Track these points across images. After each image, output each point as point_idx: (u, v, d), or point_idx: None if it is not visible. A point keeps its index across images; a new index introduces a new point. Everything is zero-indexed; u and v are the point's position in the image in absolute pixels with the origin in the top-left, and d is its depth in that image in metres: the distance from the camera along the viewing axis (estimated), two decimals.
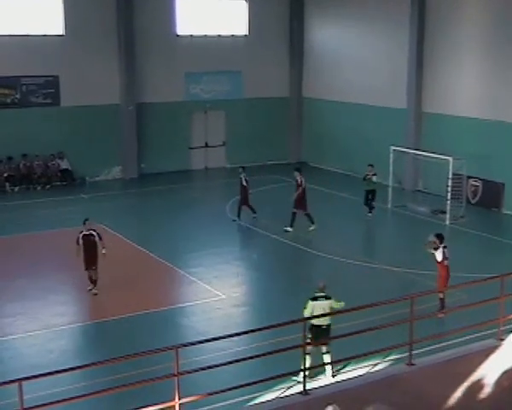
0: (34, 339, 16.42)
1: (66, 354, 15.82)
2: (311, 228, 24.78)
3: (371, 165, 26.84)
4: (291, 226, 24.68)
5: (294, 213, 24.73)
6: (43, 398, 10.43)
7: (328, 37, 36.51)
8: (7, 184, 31.66)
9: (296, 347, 11.28)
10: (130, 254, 23.02)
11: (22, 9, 31.87)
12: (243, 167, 26.65)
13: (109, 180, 33.66)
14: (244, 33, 36.94)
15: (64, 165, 33.01)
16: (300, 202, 24.74)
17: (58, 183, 32.61)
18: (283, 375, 11.82)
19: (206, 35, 35.89)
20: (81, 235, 18.93)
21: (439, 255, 17.59)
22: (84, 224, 19.16)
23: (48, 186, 32.32)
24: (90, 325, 17.62)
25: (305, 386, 10.91)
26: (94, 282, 19.08)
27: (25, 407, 9.07)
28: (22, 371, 12.90)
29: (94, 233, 19.04)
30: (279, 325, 11.55)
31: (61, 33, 32.74)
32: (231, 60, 36.50)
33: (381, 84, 32.96)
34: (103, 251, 19.02)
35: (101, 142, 33.60)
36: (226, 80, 36.73)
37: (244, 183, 25.90)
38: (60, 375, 10.46)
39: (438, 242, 17.64)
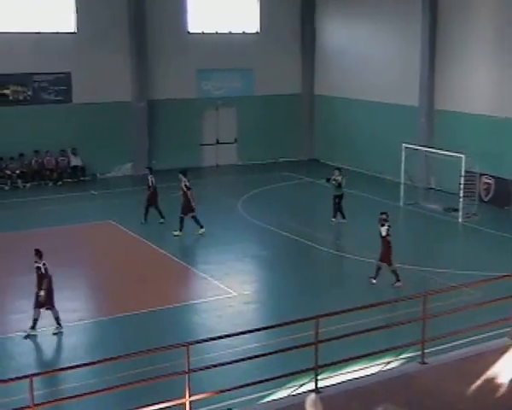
0: (45, 335, 16.41)
1: (78, 350, 15.81)
2: (200, 231, 24.21)
3: (339, 168, 26.04)
4: (180, 230, 24.07)
5: (182, 218, 24.19)
6: (54, 394, 10.43)
7: (340, 33, 36.40)
8: (19, 180, 31.76)
9: (307, 345, 11.21)
10: (141, 250, 23.01)
11: (35, 7, 31.92)
12: (150, 168, 26.39)
13: (120, 177, 33.66)
14: (256, 30, 36.87)
15: (76, 161, 33.06)
16: (187, 206, 24.19)
17: (69, 179, 32.69)
18: (295, 373, 11.77)
19: (217, 32, 35.85)
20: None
21: (384, 231, 19.30)
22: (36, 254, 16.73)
23: (59, 183, 32.39)
24: (101, 321, 17.59)
25: (316, 384, 10.84)
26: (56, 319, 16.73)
27: (36, 402, 9.05)
28: (33, 367, 12.89)
29: (41, 266, 16.52)
30: (290, 322, 11.49)
31: (73, 31, 32.79)
32: (243, 57, 36.44)
33: (392, 82, 32.82)
34: (41, 292, 16.38)
35: (112, 138, 33.62)
36: (238, 77, 36.69)
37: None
38: (71, 371, 10.46)
39: (385, 217, 19.46)
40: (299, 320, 11.43)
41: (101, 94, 33.33)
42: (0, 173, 31.50)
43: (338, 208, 25.35)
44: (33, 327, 16.30)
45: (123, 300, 18.74)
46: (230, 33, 36.19)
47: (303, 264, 22.17)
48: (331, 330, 12.18)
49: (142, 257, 22.46)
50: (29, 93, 32.47)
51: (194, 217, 24.17)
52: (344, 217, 25.30)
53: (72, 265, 21.50)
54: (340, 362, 12.00)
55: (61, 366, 10.48)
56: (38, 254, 16.49)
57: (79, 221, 25.91)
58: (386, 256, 19.39)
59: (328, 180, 25.88)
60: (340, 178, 25.19)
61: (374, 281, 19.43)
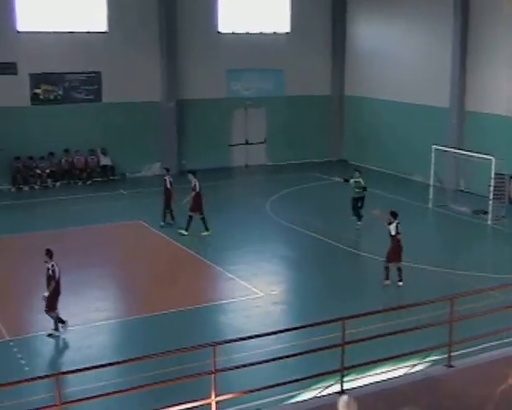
0: (73, 334, 16.54)
1: (105, 349, 15.94)
2: (204, 233, 24.17)
3: (358, 170, 25.71)
4: (186, 230, 24.11)
5: (191, 217, 24.25)
6: (82, 392, 10.52)
7: (371, 34, 36.26)
8: (49, 179, 32.07)
9: (334, 346, 11.21)
10: (169, 250, 23.13)
11: (68, 6, 32.21)
12: (167, 169, 26.25)
13: (149, 176, 33.82)
14: (286, 31, 36.86)
15: (105, 161, 33.31)
16: (196, 206, 24.25)
17: (99, 179, 32.94)
18: (321, 374, 11.76)
19: (247, 32, 35.89)
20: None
21: (393, 230, 19.52)
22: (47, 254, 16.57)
23: (89, 182, 32.65)
24: (129, 320, 17.70)
25: (342, 385, 10.83)
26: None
27: (63, 401, 9.14)
28: (61, 365, 13.01)
29: (49, 267, 16.48)
30: (317, 324, 11.49)
31: (104, 30, 33.03)
32: (273, 57, 36.44)
33: (423, 83, 32.63)
34: (45, 293, 16.40)
35: (141, 138, 33.81)
36: (267, 78, 36.69)
37: (169, 185, 25.06)
38: (98, 370, 10.54)
39: (392, 217, 19.65)
40: (326, 322, 11.42)
41: (131, 93, 33.52)
42: (30, 172, 31.82)
43: (356, 210, 24.99)
44: (56, 328, 16.41)
45: (151, 300, 18.84)
46: (261, 33, 36.20)
47: (330, 265, 22.13)
48: (357, 331, 12.16)
49: (171, 257, 22.59)
50: (60, 92, 32.75)
51: (202, 218, 24.21)
52: (359, 219, 24.96)
53: (101, 264, 21.68)
54: (366, 364, 11.98)
55: (89, 365, 10.54)
56: (49, 254, 16.43)
57: (108, 221, 26.10)
58: (395, 254, 19.59)
59: (346, 181, 25.68)
60: (360, 179, 24.95)
61: (387, 282, 19.59)
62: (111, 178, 33.14)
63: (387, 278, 19.60)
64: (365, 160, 35.75)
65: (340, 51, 37.76)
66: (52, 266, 16.30)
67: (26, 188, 31.57)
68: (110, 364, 11.22)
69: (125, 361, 11.59)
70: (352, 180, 25.04)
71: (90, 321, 17.18)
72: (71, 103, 32.83)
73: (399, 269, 19.62)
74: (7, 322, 16.53)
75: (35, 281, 19.76)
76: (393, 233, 19.64)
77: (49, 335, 16.26)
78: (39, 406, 9.58)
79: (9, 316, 16.49)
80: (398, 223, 19.65)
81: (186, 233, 23.96)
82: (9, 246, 22.87)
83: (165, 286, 19.67)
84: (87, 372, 10.28)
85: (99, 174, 33.08)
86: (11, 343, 15.79)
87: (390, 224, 19.71)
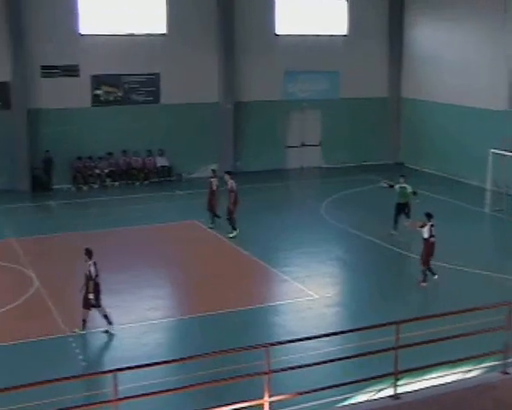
0: (129, 331, 16.82)
1: (160, 347, 16.15)
2: (231, 235, 24.18)
3: (403, 175, 24.94)
4: (235, 229, 24.21)
5: (232, 219, 24.36)
6: (137, 389, 10.69)
7: (428, 37, 35.92)
8: (107, 179, 32.62)
9: (387, 350, 11.18)
10: (224, 251, 23.30)
11: (128, 10, 32.72)
12: (214, 171, 26.24)
13: (205, 177, 33.94)
14: (343, 33, 36.77)
15: (162, 161, 33.70)
16: (233, 206, 24.25)
17: (156, 179, 33.34)
18: (374, 377, 11.74)
19: (304, 34, 35.91)
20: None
21: (426, 233, 19.40)
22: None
23: (146, 182, 33.09)
24: (184, 320, 17.90)
25: (395, 390, 10.80)
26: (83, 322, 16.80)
27: (119, 396, 9.32)
28: (117, 362, 13.23)
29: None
30: (371, 327, 11.48)
31: (163, 32, 33.43)
32: (330, 59, 36.39)
33: (481, 86, 32.18)
34: (90, 296, 16.60)
35: (198, 139, 34.10)
36: (324, 80, 36.65)
37: (214, 187, 25.08)
38: (153, 368, 10.71)
39: (426, 219, 19.54)
40: (380, 325, 11.41)
41: (189, 95, 33.85)
42: (89, 172, 32.39)
43: (401, 215, 24.32)
44: (83, 327, 16.60)
45: (205, 300, 19.01)
46: (318, 36, 36.19)
47: (385, 268, 22.03)
48: (411, 335, 12.10)
49: (225, 257, 22.75)
50: (119, 94, 33.27)
51: (228, 219, 24.32)
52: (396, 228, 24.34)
53: (157, 263, 21.97)
54: (419, 369, 11.92)
55: (144, 363, 10.73)
56: (88, 253, 16.63)
57: (164, 220, 26.42)
58: (425, 256, 19.60)
59: (391, 186, 25.21)
60: (406, 185, 24.28)
61: (424, 284, 19.66)
62: (167, 178, 33.51)
63: (434, 274, 19.79)
64: (421, 163, 35.46)
65: (397, 53, 37.49)
66: (89, 265, 16.50)
67: (86, 187, 32.17)
68: (165, 362, 11.40)
69: (179, 360, 11.75)
70: (397, 186, 24.55)
71: (146, 319, 17.42)
72: (130, 105, 33.32)
73: (423, 271, 19.69)
74: (66, 317, 16.87)
75: None
76: (426, 236, 19.54)
77: (106, 331, 16.56)
78: (95, 401, 9.79)
79: (69, 312, 16.83)
80: (431, 225, 19.51)
81: (235, 233, 24.09)
82: (69, 243, 23.30)
83: (219, 286, 19.81)
84: (142, 370, 10.45)
85: (156, 175, 33.49)
86: (70, 339, 16.13)
87: (423, 226, 19.60)
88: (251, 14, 34.52)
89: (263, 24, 35.00)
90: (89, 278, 16.46)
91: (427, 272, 19.75)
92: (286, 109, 35.83)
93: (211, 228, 25.07)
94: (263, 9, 35.00)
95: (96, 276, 16.50)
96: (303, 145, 36.71)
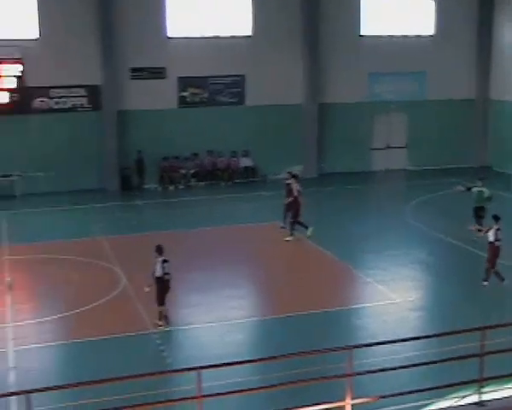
0: (212, 330, 17.04)
1: (242, 346, 16.30)
2: (288, 238, 23.96)
3: (481, 178, 24.22)
4: (307, 228, 24.03)
5: (299, 222, 24.06)
6: (219, 388, 10.86)
7: None
8: (193, 179, 33.12)
9: (473, 356, 11.04)
10: (307, 252, 23.34)
11: (214, 12, 33.14)
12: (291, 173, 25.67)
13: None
14: (430, 33, 36.29)
15: (247, 162, 33.99)
16: (294, 209, 23.99)
17: (240, 180, 33.63)
18: (458, 384, 11.60)
19: (390, 35, 35.61)
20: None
21: (491, 236, 19.01)
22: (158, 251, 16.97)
23: (230, 183, 33.43)
24: (266, 320, 18.00)
25: (480, 397, 10.65)
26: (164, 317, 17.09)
27: (203, 393, 9.50)
28: (201, 360, 13.45)
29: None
30: (455, 332, 11.35)
31: (249, 34, 33.72)
32: (416, 60, 35.98)
33: None
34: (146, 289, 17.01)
35: (283, 141, 34.25)
36: (410, 81, 36.25)
37: (296, 193, 24.28)
38: (235, 367, 10.86)
39: (494, 222, 19.15)
40: (465, 330, 11.28)
41: (273, 96, 34.04)
42: (175, 172, 32.97)
43: (478, 220, 23.73)
44: (166, 323, 16.88)
45: (287, 300, 19.08)
46: (404, 36, 35.84)
47: (469, 272, 21.60)
48: (497, 342, 11.91)
49: (308, 259, 22.78)
50: (205, 95, 33.73)
51: (299, 222, 24.15)
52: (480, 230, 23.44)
53: (239, 263, 22.19)
54: (505, 376, 11.72)
55: (225, 361, 10.89)
56: (158, 250, 16.81)
57: (248, 221, 26.64)
58: (490, 259, 19.33)
59: (468, 189, 24.59)
60: (484, 189, 23.61)
61: (485, 283, 19.48)
62: (252, 179, 33.78)
63: (503, 279, 19.36)
64: (510, 166, 34.65)
65: (485, 54, 36.75)
66: (156, 262, 16.70)
67: (172, 187, 32.76)
68: (247, 361, 11.54)
69: (261, 360, 11.87)
70: (474, 189, 23.97)
71: (228, 319, 17.61)
72: (215, 106, 33.75)
73: (489, 270, 19.41)
74: (152, 315, 17.22)
75: (177, 277, 20.53)
76: (491, 240, 19.14)
77: (159, 326, 16.79)
78: (178, 397, 9.99)
79: (154, 309, 17.17)
80: (497, 229, 19.09)
81: (309, 232, 23.97)
82: (155, 242, 23.72)
83: (301, 287, 19.86)
84: (224, 368, 10.62)
85: (241, 175, 33.80)
86: (155, 335, 16.47)
87: (488, 231, 19.32)
88: (336, 16, 34.44)
89: (347, 25, 34.87)
90: (152, 274, 16.72)
91: (496, 277, 19.37)
92: (371, 111, 35.61)
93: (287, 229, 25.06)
94: (348, 10, 34.87)
95: (165, 274, 16.66)
96: (388, 147, 36.40)
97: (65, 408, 12.59)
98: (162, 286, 16.73)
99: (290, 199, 24.27)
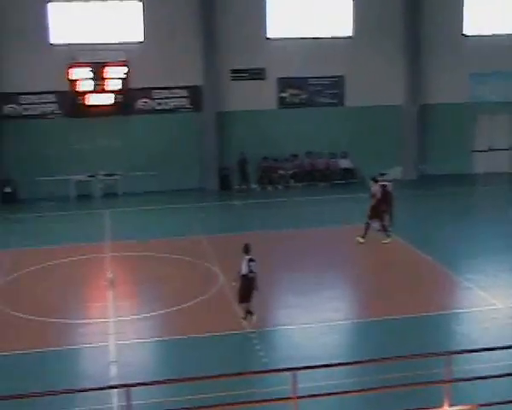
0: (309, 331, 17.03)
1: (339, 348, 16.22)
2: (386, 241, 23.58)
3: None
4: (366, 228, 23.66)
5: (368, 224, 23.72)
6: (314, 389, 10.85)
7: None
8: (291, 180, 33.25)
9: None
10: (405, 255, 23.02)
11: (314, 13, 33.16)
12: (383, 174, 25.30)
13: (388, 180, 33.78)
14: None
15: (345, 164, 33.84)
16: (374, 213, 23.70)
17: (339, 181, 33.51)
18: None
19: (494, 34, 34.72)
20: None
21: None
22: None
23: (329, 184, 33.37)
24: (362, 322, 17.86)
25: None
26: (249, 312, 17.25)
27: (298, 395, 9.51)
28: (296, 360, 13.47)
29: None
30: None
31: (349, 35, 33.57)
32: None
33: None
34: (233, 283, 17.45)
35: (382, 142, 33.94)
36: None
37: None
38: (331, 368, 10.83)
39: None
40: None
41: (373, 98, 33.77)
42: (274, 173, 33.15)
43: None
44: (244, 318, 17.09)
45: (384, 303, 18.87)
46: (508, 35, 34.87)
47: None
48: None
49: (405, 261, 22.44)
50: (304, 96, 33.78)
51: (367, 224, 23.88)
52: None
53: (337, 265, 22.10)
54: None
55: (320, 363, 10.88)
56: (244, 248, 16.99)
57: (345, 222, 26.48)
58: None
59: None
60: None
61: None
62: (351, 181, 33.61)
63: None
64: None
65: None
66: (243, 260, 16.86)
67: (270, 188, 32.98)
68: (343, 363, 11.49)
69: (356, 362, 11.81)
70: None
71: (325, 320, 17.57)
72: (314, 107, 33.76)
73: None
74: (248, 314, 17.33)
75: (275, 277, 20.66)
76: None
77: (244, 318, 17.02)
78: (273, 397, 10.03)
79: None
80: None
81: (362, 240, 23.66)
82: (253, 243, 23.90)
83: (399, 290, 19.61)
84: (320, 370, 10.61)
85: (339, 177, 33.68)
86: (252, 335, 16.59)
87: None
88: (438, 16, 33.90)
89: (450, 25, 34.27)
90: (239, 271, 16.91)
91: None
92: (473, 112, 34.84)
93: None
94: (451, 10, 34.26)
95: (250, 272, 16.80)
96: (490, 150, 35.51)
97: (162, 403, 12.83)
98: (246, 284, 16.93)
99: (373, 202, 24.06)
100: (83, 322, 17.72)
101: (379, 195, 24.00)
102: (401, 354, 11.67)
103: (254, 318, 16.98)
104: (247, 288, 16.95)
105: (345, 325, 17.76)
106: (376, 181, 24.57)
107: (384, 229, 23.91)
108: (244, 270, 16.86)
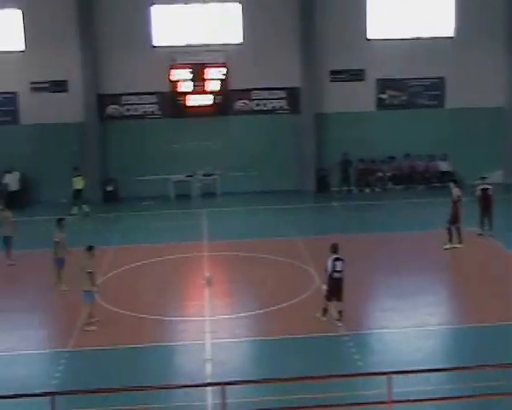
0: (405, 336, 16.82)
1: (434, 354, 15.92)
2: (447, 246, 22.93)
3: None
4: (450, 241, 23.00)
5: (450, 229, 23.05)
6: (408, 394, 10.73)
7: None
8: (389, 182, 32.93)
9: None
10: (506, 260, 22.38)
11: (414, 13, 32.76)
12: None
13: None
14: None
15: (445, 166, 33.24)
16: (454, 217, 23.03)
17: (437, 184, 32.92)
18: None
19: None
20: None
21: None
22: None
23: (427, 187, 32.88)
24: (459, 328, 17.47)
25: None
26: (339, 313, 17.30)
27: (393, 399, 9.44)
28: (391, 364, 13.33)
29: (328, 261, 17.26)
30: None
31: (450, 35, 32.99)
32: None
33: None
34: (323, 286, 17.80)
35: (483, 145, 33.16)
36: None
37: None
38: (427, 374, 10.68)
39: None
40: None
41: (474, 99, 33.07)
42: (372, 175, 32.90)
43: None
44: (323, 315, 17.21)
45: (483, 308, 18.36)
46: None
47: None
48: None
49: (502, 267, 21.76)
50: (404, 98, 33.39)
51: (457, 228, 23.24)
52: None
53: (429, 269, 21.63)
54: None
55: (417, 368, 10.74)
56: (331, 248, 17.21)
57: (441, 226, 25.93)
58: None
59: None
60: None
61: None
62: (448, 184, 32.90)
63: None
64: None
65: None
66: (328, 259, 17.05)
67: (368, 190, 32.77)
68: (438, 370, 11.32)
69: (452, 369, 11.61)
70: None
71: (421, 325, 17.30)
72: (414, 108, 33.32)
73: None
74: (345, 318, 17.26)
75: (371, 280, 20.54)
76: None
77: (338, 320, 17.06)
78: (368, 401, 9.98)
79: (346, 312, 17.22)
80: None
81: (447, 247, 23.10)
82: (346, 245, 23.80)
83: (497, 296, 19.01)
84: (414, 375, 10.48)
85: (438, 180, 33.08)
86: (346, 338, 16.51)
87: None
88: None
89: None
90: (325, 270, 17.13)
91: None
92: None
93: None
94: None
95: (334, 271, 16.94)
96: None
97: (256, 403, 12.89)
98: (332, 283, 17.06)
99: (451, 205, 23.55)
100: (180, 319, 18.05)
101: (455, 197, 23.45)
102: (497, 363, 11.36)
103: (332, 317, 17.12)
104: (333, 287, 17.08)
105: (441, 330, 17.44)
106: (456, 183, 24.03)
107: (458, 233, 23.34)
108: (329, 269, 17.03)
